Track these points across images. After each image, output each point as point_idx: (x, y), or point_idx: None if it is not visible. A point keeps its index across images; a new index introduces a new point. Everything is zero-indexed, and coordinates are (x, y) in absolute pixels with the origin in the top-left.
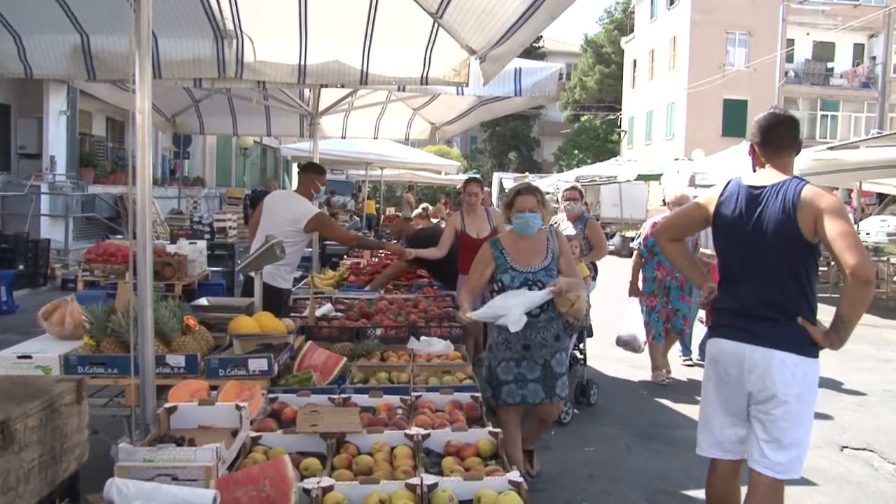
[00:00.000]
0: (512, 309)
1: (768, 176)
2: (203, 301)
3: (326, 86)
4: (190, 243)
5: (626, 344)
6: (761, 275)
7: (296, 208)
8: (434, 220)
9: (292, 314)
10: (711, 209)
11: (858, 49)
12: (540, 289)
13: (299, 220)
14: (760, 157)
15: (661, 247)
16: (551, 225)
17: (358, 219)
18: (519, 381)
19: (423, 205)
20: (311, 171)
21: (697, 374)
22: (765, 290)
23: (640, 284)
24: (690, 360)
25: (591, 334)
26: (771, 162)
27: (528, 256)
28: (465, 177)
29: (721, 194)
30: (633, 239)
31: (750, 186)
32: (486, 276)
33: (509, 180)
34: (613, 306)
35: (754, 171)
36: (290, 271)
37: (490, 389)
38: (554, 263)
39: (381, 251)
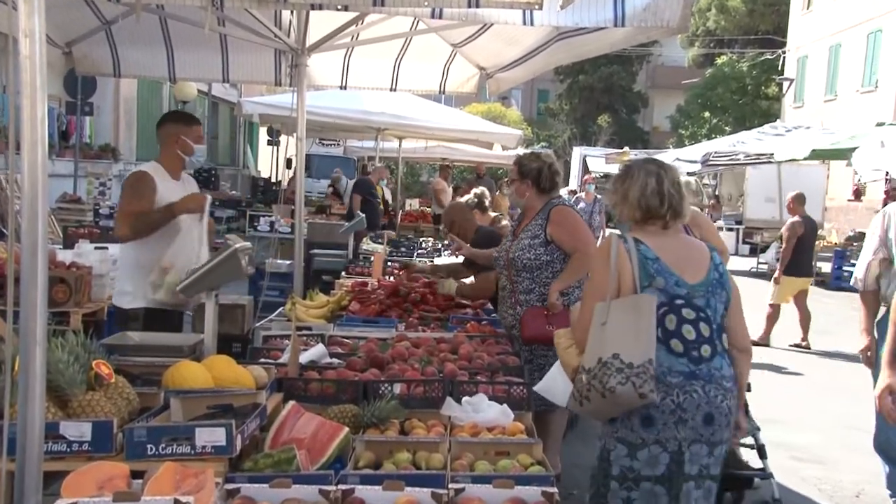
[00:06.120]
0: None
1: None
2: (122, 338)
3: (320, 6)
4: (96, 248)
5: None
6: None
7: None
8: (493, 215)
9: (263, 360)
10: None
11: None
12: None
13: None
14: None
15: None
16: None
17: (363, 214)
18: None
19: (478, 189)
20: (171, 120)
21: None
22: None
23: None
24: None
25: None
26: None
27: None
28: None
29: None
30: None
31: None
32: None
33: (597, 158)
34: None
35: None
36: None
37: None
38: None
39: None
